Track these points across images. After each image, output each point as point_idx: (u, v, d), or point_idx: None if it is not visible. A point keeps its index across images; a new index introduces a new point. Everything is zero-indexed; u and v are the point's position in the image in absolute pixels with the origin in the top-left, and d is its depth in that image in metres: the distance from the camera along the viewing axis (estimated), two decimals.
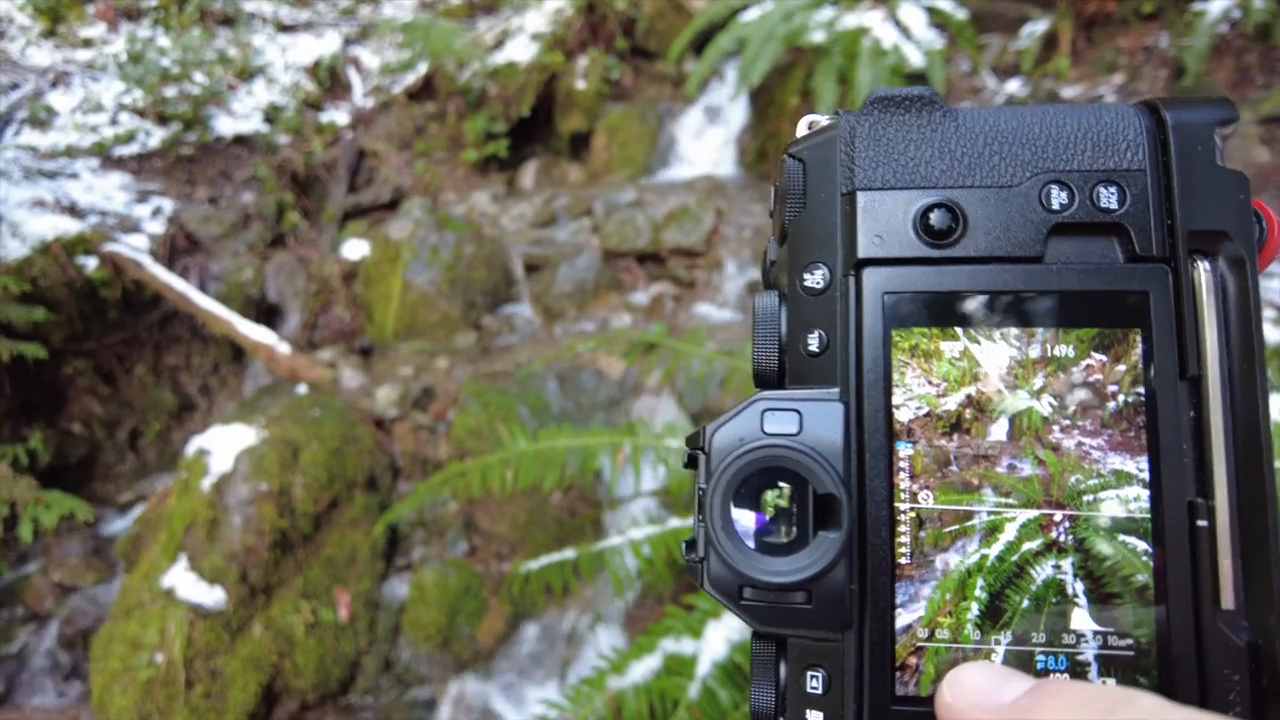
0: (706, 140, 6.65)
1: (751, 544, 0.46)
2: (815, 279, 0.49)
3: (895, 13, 5.72)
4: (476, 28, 7.56)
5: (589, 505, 4.04)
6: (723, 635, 2.53)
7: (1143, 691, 0.36)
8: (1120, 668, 0.44)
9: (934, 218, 0.47)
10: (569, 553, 3.22)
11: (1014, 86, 5.89)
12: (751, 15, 5.93)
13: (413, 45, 7.40)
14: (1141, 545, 0.44)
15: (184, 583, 3.67)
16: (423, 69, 7.34)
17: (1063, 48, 5.86)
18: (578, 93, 6.86)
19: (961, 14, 5.71)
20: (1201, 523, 0.44)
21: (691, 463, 0.51)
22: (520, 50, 6.92)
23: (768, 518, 0.46)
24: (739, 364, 3.40)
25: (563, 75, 6.94)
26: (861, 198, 0.48)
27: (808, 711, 0.47)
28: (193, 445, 4.07)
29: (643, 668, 2.58)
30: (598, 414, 4.38)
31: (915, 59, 5.40)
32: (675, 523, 3.08)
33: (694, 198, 5.88)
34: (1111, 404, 0.45)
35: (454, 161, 7.00)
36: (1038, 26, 6.08)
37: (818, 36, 5.61)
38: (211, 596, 3.66)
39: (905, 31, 5.62)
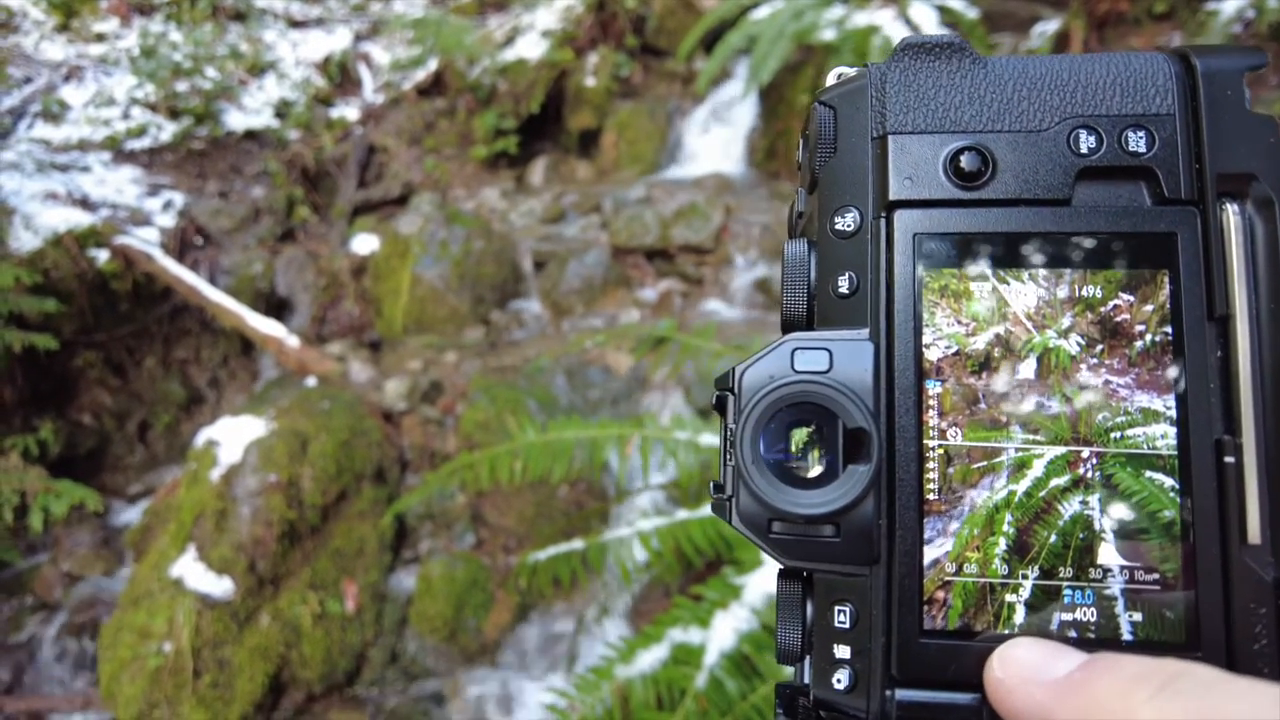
0: (716, 138, 6.66)
1: (781, 478, 0.46)
2: (846, 222, 0.50)
3: (906, 11, 5.72)
4: (487, 24, 7.58)
5: (596, 498, 4.05)
6: (730, 625, 2.53)
7: (1197, 663, 0.36)
8: (1147, 602, 0.44)
9: (964, 160, 0.48)
10: (577, 544, 3.23)
11: None
12: (762, 13, 5.93)
13: (423, 41, 7.41)
14: (1168, 481, 0.44)
15: (192, 573, 3.68)
16: (433, 65, 7.35)
17: (1074, 47, 5.84)
18: (587, 90, 6.87)
19: (973, 13, 5.70)
20: (1229, 459, 0.44)
21: (719, 405, 0.51)
22: (530, 47, 6.93)
23: (796, 453, 0.47)
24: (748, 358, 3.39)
25: (572, 72, 6.95)
26: (893, 141, 0.49)
27: (835, 646, 0.47)
28: (202, 436, 4.08)
29: (650, 657, 2.59)
30: (605, 409, 4.38)
31: None
32: (683, 515, 3.08)
33: (703, 195, 5.89)
34: (1139, 343, 0.45)
35: (463, 157, 7.01)
36: (1049, 26, 6.07)
37: (828, 35, 5.61)
38: (219, 587, 3.67)
39: (916, 30, 5.61)
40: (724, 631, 2.51)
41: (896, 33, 5.55)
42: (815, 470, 0.47)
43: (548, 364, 4.56)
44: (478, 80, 6.94)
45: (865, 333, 0.48)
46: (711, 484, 0.51)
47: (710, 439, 3.13)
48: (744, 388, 0.48)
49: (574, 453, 3.21)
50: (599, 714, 2.52)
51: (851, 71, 0.53)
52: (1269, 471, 0.44)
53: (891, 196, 0.48)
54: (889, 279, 0.48)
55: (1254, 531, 0.43)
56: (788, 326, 0.52)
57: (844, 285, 0.49)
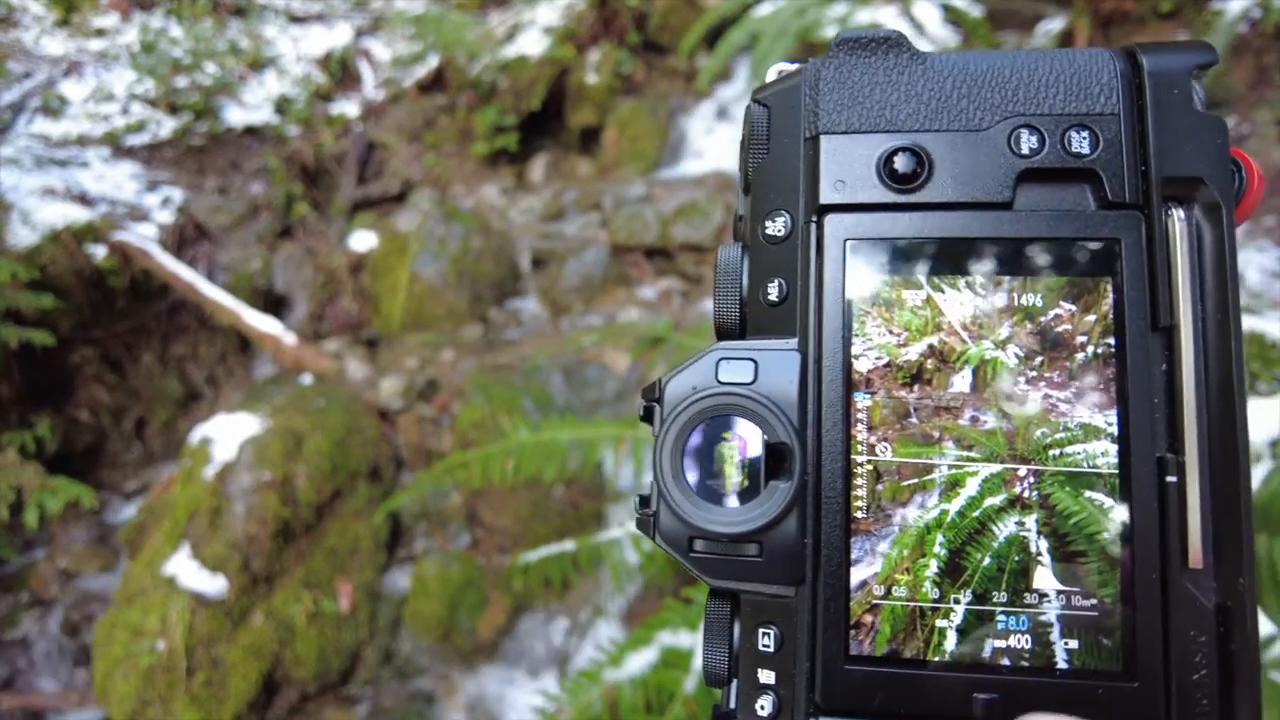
0: (717, 136, 6.62)
1: (701, 494, 0.44)
2: (776, 226, 0.48)
3: (909, 9, 5.68)
4: (488, 21, 7.56)
5: (592, 499, 4.03)
6: None
7: None
8: (1083, 629, 0.42)
9: (899, 161, 0.46)
10: (568, 545, 3.21)
11: None
12: (764, 10, 5.90)
13: (424, 38, 7.39)
14: (1108, 502, 0.42)
15: (186, 571, 3.67)
16: (434, 62, 7.33)
17: (1079, 46, 5.81)
18: (589, 87, 6.84)
19: (977, 11, 5.66)
20: (1171, 479, 0.42)
21: (646, 415, 0.49)
22: (532, 44, 6.91)
23: (719, 468, 0.45)
24: None
25: (574, 69, 6.92)
26: (825, 142, 0.47)
27: (759, 670, 0.45)
28: (197, 434, 4.07)
29: (640, 661, 2.57)
30: (602, 408, 4.36)
31: None
32: None
33: (704, 193, 5.86)
34: (1080, 355, 0.43)
35: (463, 154, 6.99)
36: (1054, 24, 6.03)
37: (831, 32, 5.58)
38: (213, 585, 3.66)
39: (919, 28, 5.58)
40: None
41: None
42: (737, 486, 0.44)
43: (545, 363, 4.55)
44: (478, 77, 6.92)
45: (794, 343, 0.46)
46: (637, 498, 0.49)
47: None
48: (667, 399, 0.46)
49: (567, 453, 3.19)
50: (588, 718, 2.50)
51: (792, 67, 0.51)
52: (1212, 492, 0.41)
53: (822, 200, 0.46)
54: (819, 286, 0.46)
55: (1195, 555, 0.41)
56: (720, 334, 0.50)
57: (774, 292, 0.47)
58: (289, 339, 5.08)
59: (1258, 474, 2.00)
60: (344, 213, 6.51)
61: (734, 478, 0.45)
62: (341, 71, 7.62)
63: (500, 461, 3.22)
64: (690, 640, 2.53)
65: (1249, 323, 3.08)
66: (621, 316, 5.22)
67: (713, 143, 6.65)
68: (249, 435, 3.97)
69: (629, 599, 3.75)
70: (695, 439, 0.45)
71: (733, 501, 0.44)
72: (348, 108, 7.27)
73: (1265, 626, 1.79)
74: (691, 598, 2.66)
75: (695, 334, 4.04)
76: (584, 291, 5.43)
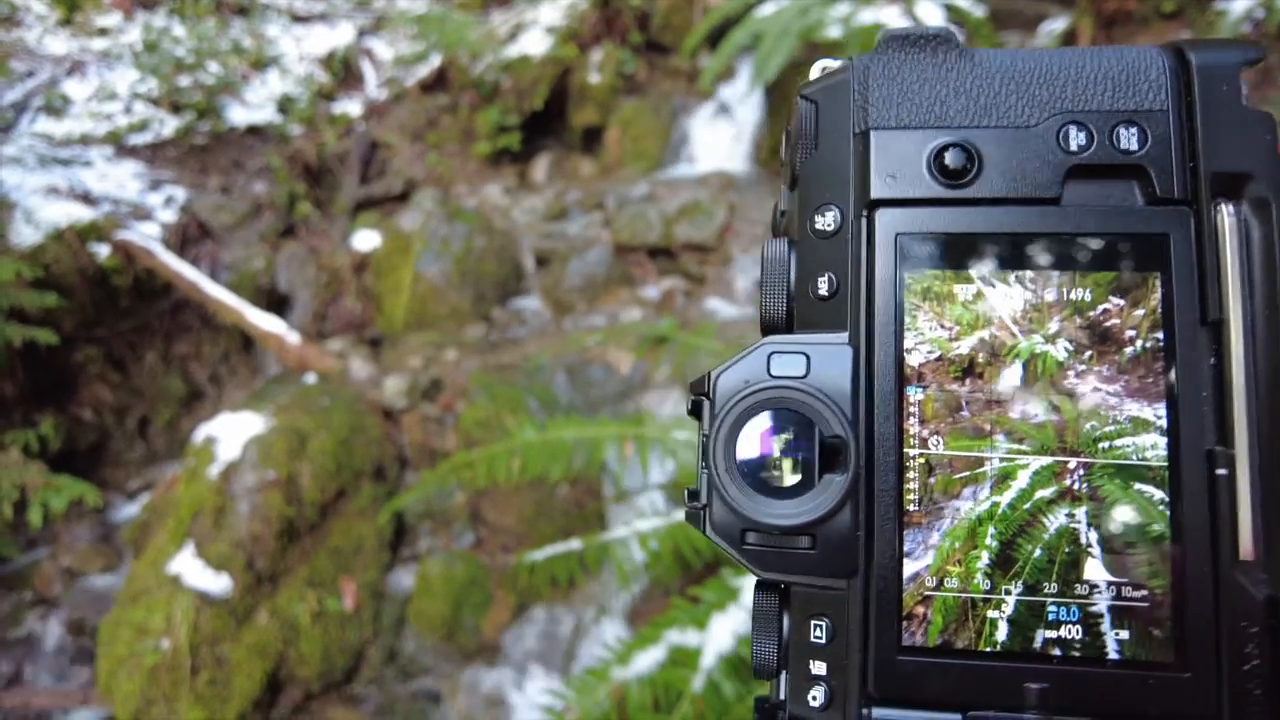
0: (720, 135, 6.63)
1: (755, 487, 0.45)
2: (826, 221, 0.48)
3: (912, 9, 5.69)
4: (491, 20, 7.56)
5: (596, 498, 4.03)
6: (728, 628, 2.51)
7: None
8: (1134, 619, 0.42)
9: (949, 157, 0.46)
10: (574, 544, 3.21)
11: None
12: (767, 10, 5.91)
13: (426, 37, 7.39)
14: (1158, 494, 0.43)
15: (191, 569, 3.67)
16: (436, 61, 7.33)
17: (1082, 45, 5.81)
18: (591, 86, 6.84)
19: (979, 11, 5.67)
20: (1221, 471, 0.42)
21: (695, 410, 0.49)
22: (534, 43, 6.91)
23: (772, 462, 0.45)
24: None
25: (576, 69, 6.93)
26: (875, 137, 0.47)
27: (811, 661, 0.46)
28: (201, 433, 4.07)
29: (647, 659, 2.57)
30: (606, 407, 4.36)
31: None
32: (682, 516, 3.06)
33: (706, 193, 5.87)
34: (1129, 349, 0.44)
35: (466, 154, 6.99)
36: (1056, 24, 6.04)
37: (834, 32, 5.58)
38: (218, 584, 3.66)
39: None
40: (721, 634, 2.49)
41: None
42: (791, 479, 0.45)
43: (548, 362, 4.55)
44: (481, 76, 6.92)
45: (845, 336, 0.46)
46: (686, 491, 0.50)
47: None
48: (719, 393, 0.47)
49: (573, 452, 3.19)
50: (595, 716, 2.51)
51: (835, 64, 0.52)
52: (1262, 484, 0.42)
53: (873, 195, 0.47)
54: (869, 281, 0.46)
55: (1246, 547, 0.42)
56: (767, 330, 0.50)
57: (823, 287, 0.48)
58: (292, 338, 5.08)
59: None
60: (347, 212, 6.51)
61: (788, 471, 0.45)
62: (344, 71, 7.62)
63: (506, 460, 3.23)
64: (698, 639, 2.53)
65: None
66: (624, 316, 5.22)
67: (715, 142, 6.66)
68: (253, 434, 3.97)
69: (633, 598, 3.76)
70: (748, 432, 0.45)
71: (786, 495, 0.45)
72: (350, 107, 7.27)
73: None
74: (699, 597, 2.66)
75: (699, 333, 4.04)
76: (587, 291, 5.44)
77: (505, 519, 4.09)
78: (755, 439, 0.45)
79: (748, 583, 2.60)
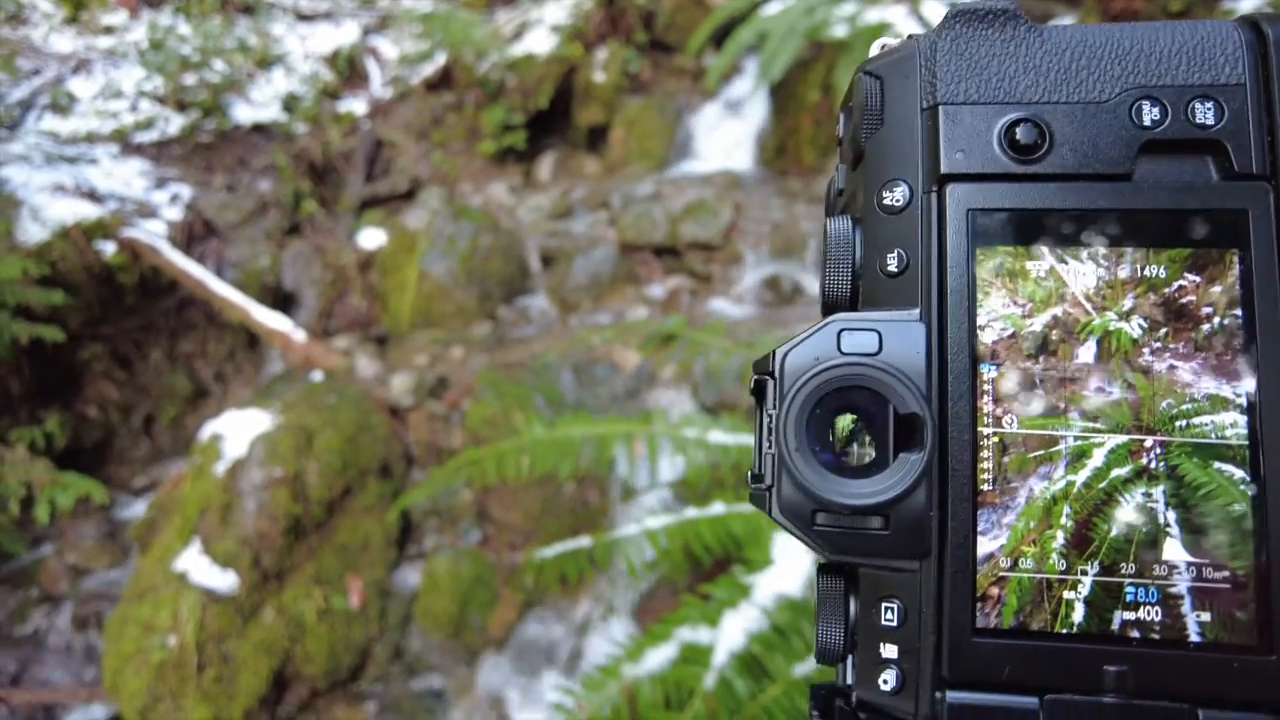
0: (725, 134, 6.62)
1: (827, 467, 0.44)
2: (895, 197, 0.47)
3: (918, 8, 5.68)
4: (496, 19, 7.56)
5: (603, 496, 4.03)
6: (740, 625, 2.51)
7: None
8: (1216, 601, 0.42)
9: (1020, 133, 0.45)
10: (584, 541, 3.21)
11: None
12: (773, 9, 5.91)
13: (432, 36, 7.39)
14: (1239, 473, 0.42)
15: (197, 567, 3.67)
16: (441, 60, 7.33)
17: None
18: (596, 85, 6.84)
19: None
20: None
21: (757, 390, 0.49)
22: (539, 42, 6.91)
23: (842, 441, 0.45)
24: (756, 356, 3.38)
25: (581, 68, 6.93)
26: (944, 112, 0.46)
27: (881, 645, 0.45)
28: (207, 430, 4.07)
29: (658, 656, 2.57)
30: (613, 406, 4.36)
31: None
32: (692, 513, 3.05)
33: (712, 192, 5.86)
34: (1206, 326, 0.43)
35: (471, 152, 6.99)
36: (1063, 23, 6.02)
37: (839, 31, 5.58)
38: (224, 581, 3.66)
39: (928, 27, 5.58)
40: (733, 631, 2.48)
41: (908, 30, 5.51)
42: (865, 458, 0.44)
43: (555, 360, 4.54)
44: (486, 75, 6.92)
45: (916, 313, 0.46)
46: (749, 474, 0.49)
47: (719, 436, 3.10)
48: (786, 371, 0.46)
49: (581, 450, 3.19)
50: (606, 713, 2.50)
51: (895, 42, 0.51)
52: None
53: (943, 170, 0.46)
54: (941, 257, 0.45)
55: None
56: (830, 308, 0.49)
57: (893, 263, 0.47)
58: (298, 336, 5.08)
59: None
60: (352, 210, 6.50)
61: (860, 449, 0.44)
62: (349, 69, 7.62)
63: (515, 458, 3.22)
64: (710, 636, 2.52)
65: None
66: (630, 314, 5.21)
67: (720, 141, 6.65)
68: (260, 432, 3.96)
69: (642, 596, 3.75)
70: (819, 410, 0.44)
71: (859, 474, 0.44)
72: (355, 105, 7.27)
73: None
74: (710, 594, 2.65)
75: (707, 331, 4.04)
76: (593, 289, 5.43)
77: (512, 517, 4.08)
78: (826, 417, 0.45)
79: (760, 580, 2.59)
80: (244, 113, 6.69)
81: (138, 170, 5.88)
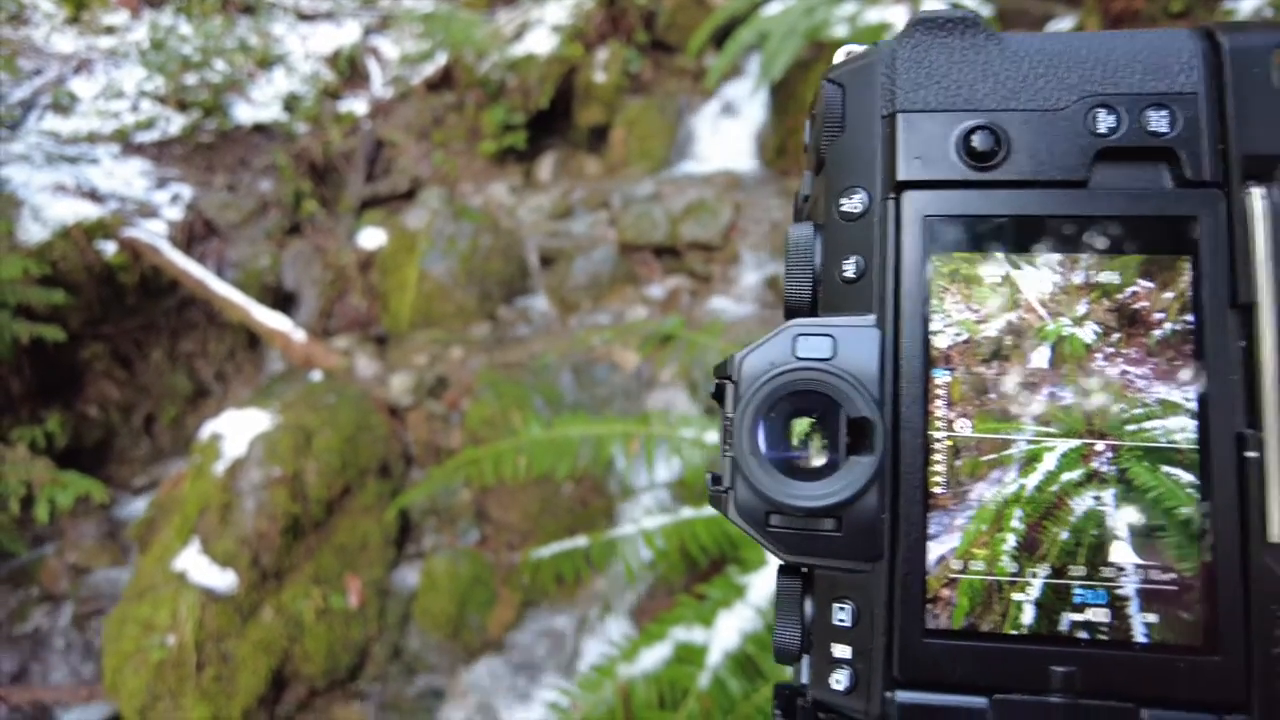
0: (725, 135, 6.63)
1: (780, 470, 0.44)
2: (853, 203, 0.48)
3: (918, 8, 5.68)
4: (496, 19, 7.57)
5: (601, 496, 4.03)
6: (734, 625, 2.51)
7: None
8: (1162, 602, 0.42)
9: (976, 140, 0.46)
10: (581, 540, 3.21)
11: None
12: (773, 9, 5.91)
13: (432, 36, 7.40)
14: (1187, 477, 0.43)
15: (196, 566, 3.68)
16: (442, 60, 7.34)
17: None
18: (597, 85, 6.85)
19: (986, 10, 5.66)
20: (1251, 454, 0.42)
21: (718, 394, 0.49)
22: (540, 42, 6.91)
23: (797, 444, 0.45)
24: None
25: (582, 68, 6.93)
26: (902, 119, 0.47)
27: (834, 645, 0.46)
28: (206, 429, 4.08)
29: (653, 656, 2.57)
30: (611, 406, 4.36)
31: None
32: (689, 513, 3.06)
33: (712, 192, 5.87)
34: (1158, 332, 0.44)
35: (472, 152, 7.00)
36: (1063, 24, 6.03)
37: (840, 31, 5.58)
38: (223, 580, 3.67)
39: None
40: (727, 631, 2.49)
41: None
42: (816, 461, 0.45)
43: (554, 360, 4.55)
44: (487, 75, 6.93)
45: (872, 319, 0.46)
46: (709, 475, 0.49)
47: (715, 437, 3.11)
48: (744, 375, 0.47)
49: (579, 450, 3.19)
50: (601, 713, 2.51)
51: (861, 49, 0.52)
52: None
53: (900, 177, 0.46)
54: (897, 263, 0.46)
55: (1275, 530, 0.41)
56: (791, 313, 0.50)
57: (850, 269, 0.47)
58: (298, 335, 5.09)
59: None
60: (352, 210, 6.52)
61: (814, 453, 0.45)
62: (350, 69, 7.63)
63: (512, 458, 3.23)
64: (704, 636, 2.53)
65: None
66: (630, 314, 5.22)
67: (721, 142, 6.66)
68: (259, 431, 3.97)
69: (639, 595, 3.76)
70: (774, 414, 0.45)
71: (811, 477, 0.44)
72: (356, 105, 7.28)
73: None
74: (705, 594, 2.66)
75: (706, 332, 4.04)
76: (592, 290, 5.44)
77: (510, 516, 4.09)
78: (780, 421, 0.45)
79: (754, 580, 2.60)
80: (245, 113, 6.71)
81: (138, 170, 5.89)
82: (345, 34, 7.86)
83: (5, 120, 6.02)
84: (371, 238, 5.76)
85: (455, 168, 6.84)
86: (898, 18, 5.64)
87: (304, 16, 8.13)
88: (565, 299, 5.45)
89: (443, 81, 7.36)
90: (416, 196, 6.35)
